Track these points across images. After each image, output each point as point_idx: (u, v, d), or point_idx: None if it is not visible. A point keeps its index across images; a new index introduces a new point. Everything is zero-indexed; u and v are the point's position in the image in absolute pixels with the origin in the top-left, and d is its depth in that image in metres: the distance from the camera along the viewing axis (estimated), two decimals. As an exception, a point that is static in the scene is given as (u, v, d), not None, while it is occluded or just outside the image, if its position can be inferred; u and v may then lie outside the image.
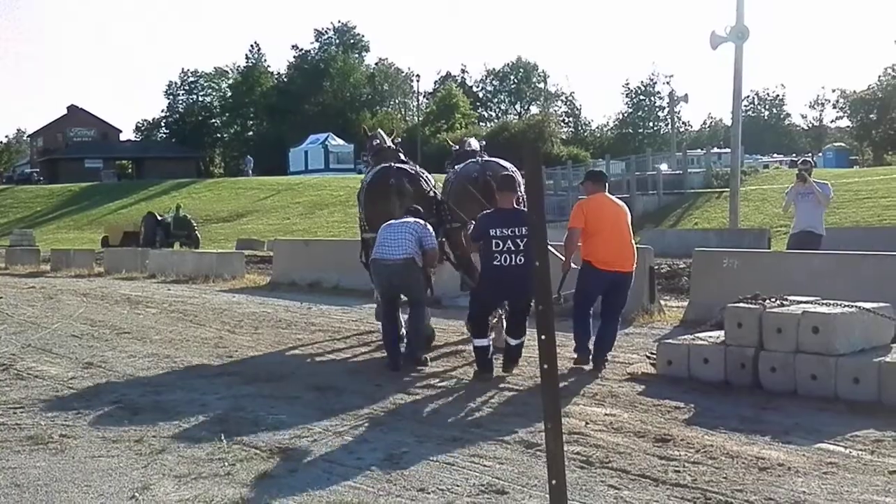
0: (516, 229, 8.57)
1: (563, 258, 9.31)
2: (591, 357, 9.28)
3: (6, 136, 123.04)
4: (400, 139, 13.27)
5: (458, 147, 12.58)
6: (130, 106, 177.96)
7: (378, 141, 12.41)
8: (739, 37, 28.02)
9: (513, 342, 9.12)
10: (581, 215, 9.25)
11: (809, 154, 75.05)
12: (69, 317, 14.81)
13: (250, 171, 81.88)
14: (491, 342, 9.11)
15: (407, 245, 9.44)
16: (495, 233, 8.65)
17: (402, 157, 11.95)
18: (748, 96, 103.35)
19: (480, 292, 9.09)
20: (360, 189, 11.67)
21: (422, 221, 9.78)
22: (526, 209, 8.60)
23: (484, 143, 13.05)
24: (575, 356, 9.34)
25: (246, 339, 11.99)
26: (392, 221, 9.81)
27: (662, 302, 13.39)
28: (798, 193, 14.45)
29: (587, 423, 6.99)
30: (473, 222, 9.39)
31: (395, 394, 8.31)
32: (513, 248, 8.60)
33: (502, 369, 9.09)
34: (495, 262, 8.65)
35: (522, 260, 8.53)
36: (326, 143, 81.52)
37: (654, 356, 9.03)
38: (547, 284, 3.71)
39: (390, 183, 10.80)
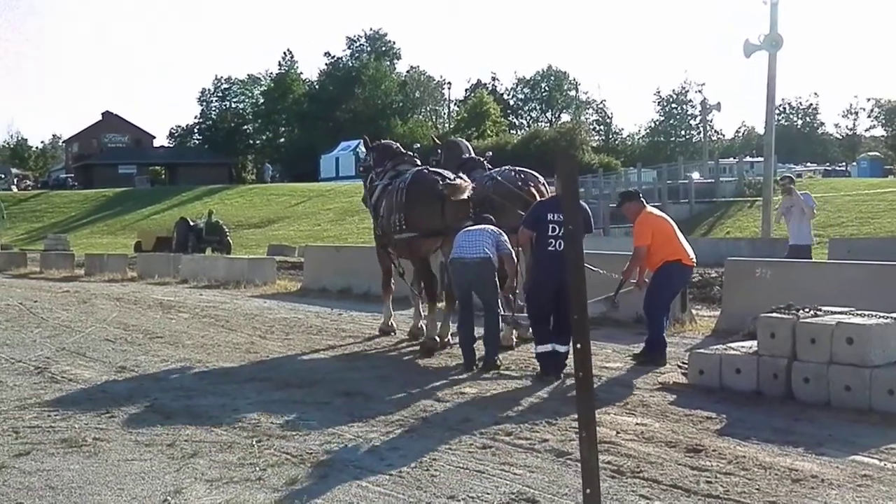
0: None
1: (626, 269, 9.91)
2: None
3: (42, 142, 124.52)
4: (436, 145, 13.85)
5: (443, 147, 13.25)
6: (164, 112, 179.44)
7: (396, 146, 13.07)
8: (773, 45, 27.84)
9: (561, 349, 9.11)
10: (648, 231, 9.71)
11: (843, 163, 74.39)
12: (103, 321, 14.95)
13: (269, 178, 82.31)
14: (553, 346, 9.15)
15: (484, 247, 9.70)
16: (552, 217, 8.98)
17: (419, 161, 12.54)
18: (781, 105, 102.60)
19: (536, 278, 9.23)
20: (390, 191, 11.79)
21: (496, 229, 10.02)
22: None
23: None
24: (643, 356, 9.74)
25: (277, 345, 12.04)
26: (469, 227, 10.11)
27: (694, 311, 13.30)
28: (785, 207, 14.99)
29: (618, 433, 6.96)
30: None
31: (425, 400, 8.31)
32: (563, 236, 8.72)
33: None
34: (549, 248, 8.96)
35: None
36: (357, 150, 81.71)
37: (686, 366, 8.98)
38: (583, 294, 3.70)
39: (439, 188, 10.93)
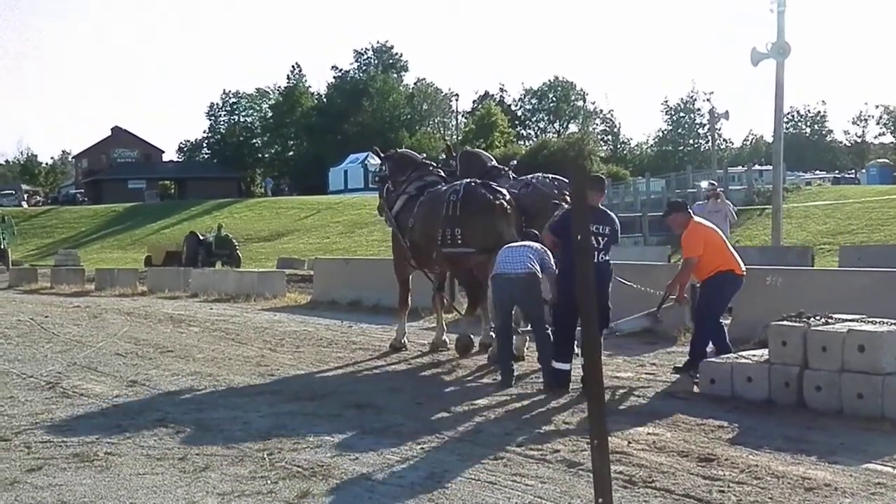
0: (600, 227, 8.97)
1: (673, 281, 9.74)
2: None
3: (52, 158, 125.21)
4: (448, 156, 13.52)
5: (460, 158, 12.90)
6: (173, 127, 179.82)
7: (418, 156, 12.99)
8: (781, 53, 27.83)
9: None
10: (700, 242, 9.54)
11: (853, 170, 74.14)
12: (113, 335, 14.99)
13: (269, 192, 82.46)
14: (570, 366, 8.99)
15: (528, 262, 9.44)
16: None
17: (441, 172, 12.43)
18: (790, 113, 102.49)
19: (562, 289, 9.07)
20: (426, 203, 11.55)
21: (541, 246, 9.68)
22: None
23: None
24: (688, 368, 9.53)
25: (287, 358, 12.05)
26: (512, 244, 9.86)
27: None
28: (709, 211, 15.24)
29: (630, 443, 6.94)
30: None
31: (436, 412, 8.30)
32: (596, 246, 8.80)
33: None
34: None
35: (602, 258, 8.87)
36: (366, 162, 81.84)
37: (698, 375, 8.96)
38: (592, 307, 3.70)
39: (496, 202, 10.78)
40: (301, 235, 55.73)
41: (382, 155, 13.28)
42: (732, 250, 9.83)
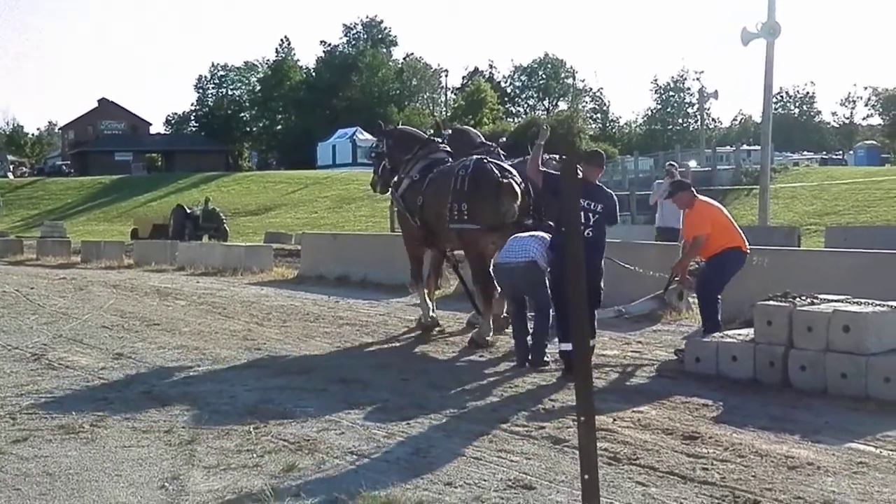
0: (593, 204, 8.82)
1: (680, 261, 9.86)
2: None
3: (38, 129, 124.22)
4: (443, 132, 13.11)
5: (451, 135, 12.71)
6: (160, 99, 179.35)
7: (423, 133, 12.60)
8: (770, 33, 27.76)
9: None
10: (707, 220, 9.56)
11: (840, 151, 74.33)
12: (99, 308, 14.95)
13: (254, 166, 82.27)
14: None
15: (531, 250, 9.31)
16: (581, 203, 8.60)
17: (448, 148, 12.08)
18: (778, 93, 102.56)
19: (555, 268, 8.96)
20: (436, 179, 11.22)
21: (548, 237, 9.47)
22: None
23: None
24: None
25: (274, 332, 12.05)
26: (521, 234, 9.72)
27: (691, 299, 13.31)
28: (665, 190, 15.44)
29: (614, 420, 6.97)
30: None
31: (422, 388, 8.32)
32: (582, 221, 8.49)
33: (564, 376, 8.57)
34: None
35: (591, 234, 8.72)
36: (354, 137, 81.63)
37: (683, 353, 8.99)
38: (581, 284, 3.70)
39: (503, 181, 10.43)
40: (289, 210, 55.62)
41: (384, 130, 12.80)
42: (737, 227, 9.83)
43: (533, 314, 9.59)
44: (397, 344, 11.19)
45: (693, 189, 10.02)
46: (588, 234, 8.68)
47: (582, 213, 8.56)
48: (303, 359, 10.02)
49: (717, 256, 9.49)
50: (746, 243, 9.69)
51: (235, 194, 62.55)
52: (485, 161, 10.84)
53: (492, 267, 10.19)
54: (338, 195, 57.19)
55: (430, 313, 11.93)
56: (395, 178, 12.39)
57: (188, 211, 39.13)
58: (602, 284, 8.96)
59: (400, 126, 13.46)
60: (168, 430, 6.83)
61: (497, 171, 10.59)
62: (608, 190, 9.34)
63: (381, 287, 16.77)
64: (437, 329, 11.78)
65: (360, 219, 48.36)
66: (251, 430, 6.76)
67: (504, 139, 13.28)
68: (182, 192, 62.32)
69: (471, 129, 14.33)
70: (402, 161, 12.17)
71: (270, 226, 47.45)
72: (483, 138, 12.89)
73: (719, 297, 9.60)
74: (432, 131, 13.05)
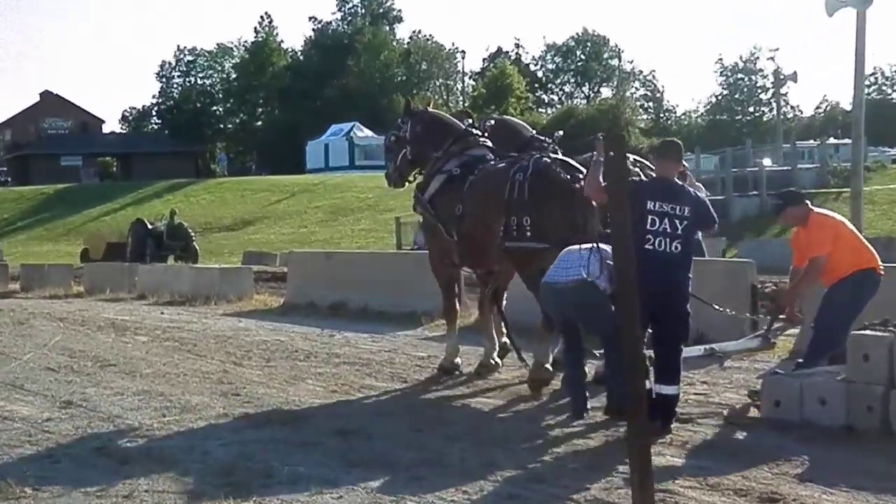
0: (678, 208, 8.41)
1: (792, 289, 9.55)
2: None
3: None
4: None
5: (492, 125, 12.39)
6: (115, 92, 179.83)
7: (460, 124, 12.12)
8: (862, 1, 27.74)
9: (666, 390, 8.42)
10: (829, 237, 9.25)
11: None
12: (43, 346, 14.99)
13: (224, 172, 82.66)
14: (652, 389, 8.28)
15: (582, 267, 8.86)
16: (653, 206, 8.36)
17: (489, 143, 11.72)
18: (872, 75, 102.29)
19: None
20: (478, 184, 10.93)
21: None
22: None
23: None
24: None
25: (255, 374, 12.06)
26: (573, 246, 9.27)
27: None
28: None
29: (675, 479, 6.94)
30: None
31: (437, 441, 8.31)
32: (669, 231, 8.33)
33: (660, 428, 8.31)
34: (647, 247, 8.21)
35: (679, 248, 8.36)
36: (352, 134, 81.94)
37: (758, 396, 8.95)
38: (633, 311, 3.70)
39: (577, 183, 9.98)
40: (272, 224, 55.80)
41: (410, 109, 12.41)
42: (866, 243, 9.59)
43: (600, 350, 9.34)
44: (406, 386, 11.18)
45: (808, 202, 9.62)
46: (675, 247, 8.35)
47: (666, 221, 8.34)
48: (291, 406, 10.02)
49: (845, 281, 9.12)
50: (879, 262, 9.38)
51: (207, 206, 62.82)
52: (548, 160, 10.51)
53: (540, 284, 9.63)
54: (332, 205, 57.34)
55: (456, 356, 11.73)
56: (422, 178, 12.11)
57: (150, 226, 39.30)
58: (689, 311, 8.57)
59: (432, 109, 12.79)
60: (127, 496, 6.83)
61: (567, 174, 10.27)
62: (689, 188, 8.97)
63: (386, 317, 16.78)
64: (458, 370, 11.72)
65: (360, 234, 48.46)
66: (228, 495, 6.75)
67: (560, 133, 12.56)
68: (142, 204, 62.64)
69: (517, 120, 14.01)
70: (429, 156, 11.87)
71: (250, 243, 47.59)
72: (533, 131, 12.60)
73: (844, 332, 8.89)
74: (469, 121, 12.56)
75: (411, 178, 12.54)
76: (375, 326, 16.16)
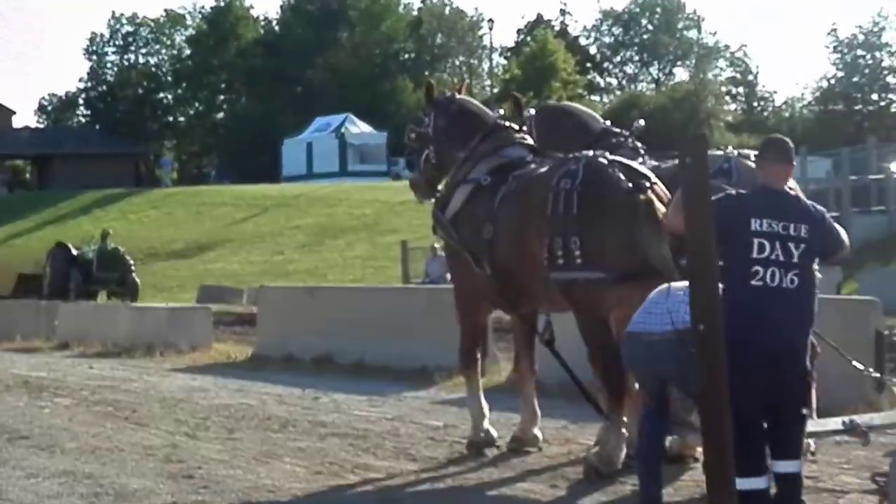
0: (792, 226, 7.99)
1: None
2: None
3: None
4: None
5: (537, 115, 12.29)
6: (30, 74, 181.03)
7: (496, 112, 12.05)
8: None
9: (785, 467, 8.17)
10: None
11: None
12: (-67, 411, 15.05)
13: (168, 181, 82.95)
14: (766, 480, 8.09)
15: (682, 313, 8.27)
16: (759, 226, 7.95)
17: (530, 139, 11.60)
18: None
19: (729, 338, 7.74)
20: (511, 195, 10.78)
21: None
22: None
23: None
24: None
25: (215, 449, 12.06)
26: (664, 286, 8.86)
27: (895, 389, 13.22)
28: None
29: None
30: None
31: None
32: (783, 259, 7.92)
33: None
34: (754, 282, 7.90)
35: (796, 281, 7.95)
36: (343, 130, 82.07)
37: (885, 480, 8.91)
38: (719, 357, 3.70)
39: (641, 193, 9.82)
40: (237, 249, 55.85)
41: (434, 97, 12.34)
42: None
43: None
44: (416, 467, 11.16)
45: None
46: (791, 280, 7.96)
47: (777, 246, 7.88)
48: (262, 492, 10.02)
49: None
50: None
51: (151, 225, 62.96)
52: (602, 162, 10.23)
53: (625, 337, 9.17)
54: (317, 224, 57.36)
55: (485, 422, 11.48)
56: (443, 185, 11.97)
57: (75, 252, 39.40)
58: (813, 371, 8.31)
59: (460, 96, 12.50)
60: None
61: (628, 179, 10.01)
62: (806, 200, 8.45)
63: (389, 374, 16.79)
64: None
65: (353, 262, 48.47)
66: None
67: (641, 122, 12.43)
68: (65, 223, 62.86)
69: (582, 108, 13.59)
70: (454, 157, 11.71)
71: (208, 275, 47.66)
72: (605, 122, 12.43)
73: None
74: (502, 111, 12.41)
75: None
76: (374, 386, 16.14)
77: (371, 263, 46.95)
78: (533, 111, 12.61)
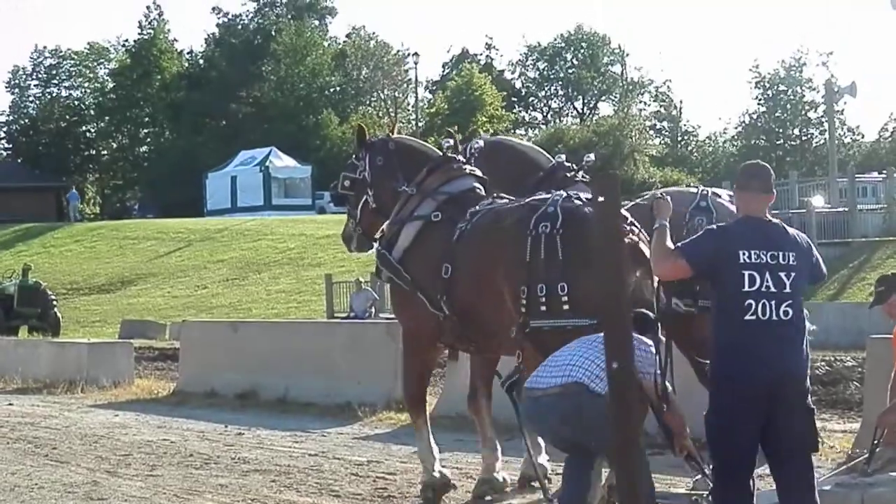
0: (780, 254, 7.61)
1: None
2: None
3: None
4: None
5: (481, 148, 12.08)
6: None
7: (435, 150, 11.74)
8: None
9: None
10: None
11: None
12: None
13: (74, 215, 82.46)
14: None
15: (587, 367, 7.96)
16: (748, 256, 7.58)
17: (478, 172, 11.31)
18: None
19: (720, 380, 7.68)
20: (471, 235, 10.35)
21: (647, 340, 8.32)
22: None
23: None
24: None
25: (136, 486, 12.00)
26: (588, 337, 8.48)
27: (819, 423, 13.33)
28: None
29: None
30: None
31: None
32: (774, 290, 7.52)
33: None
34: (747, 318, 7.50)
35: (789, 313, 7.53)
36: (268, 163, 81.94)
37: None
38: (631, 396, 3.72)
39: (626, 237, 9.14)
40: (160, 283, 55.60)
41: (366, 140, 11.89)
42: None
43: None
44: (338, 503, 11.16)
45: None
46: (784, 312, 7.54)
47: (768, 276, 7.54)
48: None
49: None
50: None
51: (73, 259, 62.56)
52: (579, 202, 9.79)
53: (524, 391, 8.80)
54: (240, 258, 57.22)
55: (436, 463, 11.00)
56: (386, 226, 11.43)
57: (-7, 287, 39.11)
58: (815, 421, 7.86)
59: (395, 136, 12.22)
60: None
61: (626, 227, 9.40)
62: (790, 229, 8.06)
63: (312, 410, 16.76)
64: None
65: (278, 297, 48.36)
66: None
67: (592, 157, 12.40)
68: (-16, 257, 62.28)
69: (527, 143, 13.56)
70: (396, 195, 11.25)
71: (130, 310, 47.40)
72: (554, 158, 12.31)
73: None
74: (450, 142, 11.75)
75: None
76: (298, 421, 16.12)
77: (295, 298, 46.85)
78: (480, 143, 12.37)
